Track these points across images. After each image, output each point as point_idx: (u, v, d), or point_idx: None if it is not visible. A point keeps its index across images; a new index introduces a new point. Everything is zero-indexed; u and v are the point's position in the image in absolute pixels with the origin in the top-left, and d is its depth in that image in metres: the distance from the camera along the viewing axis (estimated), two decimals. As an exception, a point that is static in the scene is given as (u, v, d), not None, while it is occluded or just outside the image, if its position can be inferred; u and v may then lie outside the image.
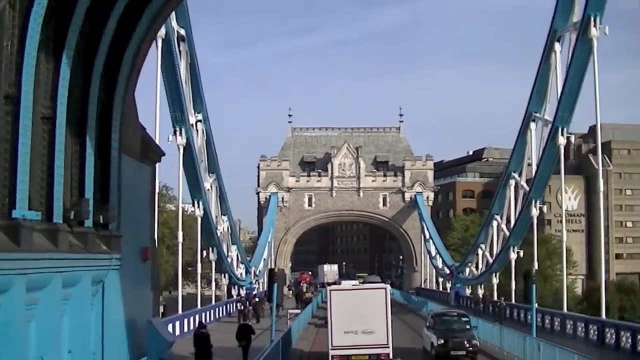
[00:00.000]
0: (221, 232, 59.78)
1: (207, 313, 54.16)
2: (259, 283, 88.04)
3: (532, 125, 52.93)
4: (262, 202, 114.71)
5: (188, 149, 44.83)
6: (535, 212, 51.31)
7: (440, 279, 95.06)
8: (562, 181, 51.41)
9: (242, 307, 58.75)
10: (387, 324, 31.76)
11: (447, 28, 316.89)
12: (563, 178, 50.28)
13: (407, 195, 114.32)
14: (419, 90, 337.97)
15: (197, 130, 50.11)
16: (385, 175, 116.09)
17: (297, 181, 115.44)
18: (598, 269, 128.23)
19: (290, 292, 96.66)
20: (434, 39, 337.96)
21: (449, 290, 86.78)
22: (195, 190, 48.32)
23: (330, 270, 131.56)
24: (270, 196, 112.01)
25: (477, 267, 72.29)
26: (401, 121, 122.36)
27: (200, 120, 50.26)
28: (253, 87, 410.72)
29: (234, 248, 67.39)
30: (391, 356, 31.95)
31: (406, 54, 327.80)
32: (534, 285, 31.97)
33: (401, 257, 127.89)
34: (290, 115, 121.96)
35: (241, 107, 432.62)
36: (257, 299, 63.61)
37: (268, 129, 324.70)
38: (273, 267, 34.09)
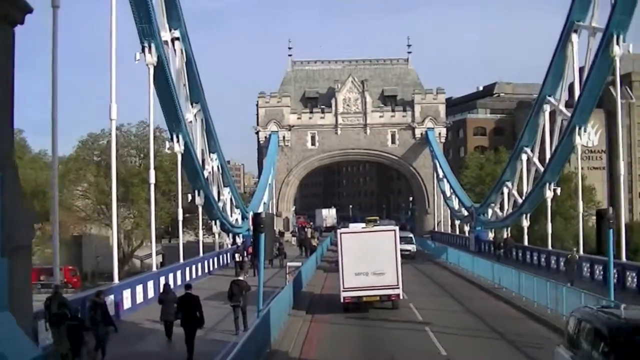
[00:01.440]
0: (209, 173, 51.69)
1: (197, 266, 46.84)
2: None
3: (574, 36, 44.51)
4: (261, 142, 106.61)
5: (161, 69, 36.43)
6: (579, 141, 43.24)
7: (457, 222, 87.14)
8: (619, 103, 42.80)
9: (239, 258, 51.88)
10: (397, 266, 32.53)
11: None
12: (619, 95, 41.69)
13: (418, 132, 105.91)
14: (426, 24, 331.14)
15: (174, 50, 41.80)
16: (393, 111, 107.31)
17: (298, 118, 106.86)
18: (621, 208, 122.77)
19: (294, 239, 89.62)
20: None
21: (467, 234, 79.53)
22: (173, 121, 40.09)
23: (329, 215, 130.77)
24: (270, 135, 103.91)
25: (501, 208, 64.40)
26: (409, 52, 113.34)
27: (177, 38, 41.76)
28: (252, 23, 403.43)
29: (226, 191, 59.32)
30: (401, 296, 33.28)
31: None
32: (611, 230, 23.95)
33: (411, 199, 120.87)
34: (290, 48, 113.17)
35: (240, 45, 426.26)
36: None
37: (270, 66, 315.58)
38: (259, 211, 26.22)
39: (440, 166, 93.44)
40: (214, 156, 53.23)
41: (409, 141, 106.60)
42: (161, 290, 27.63)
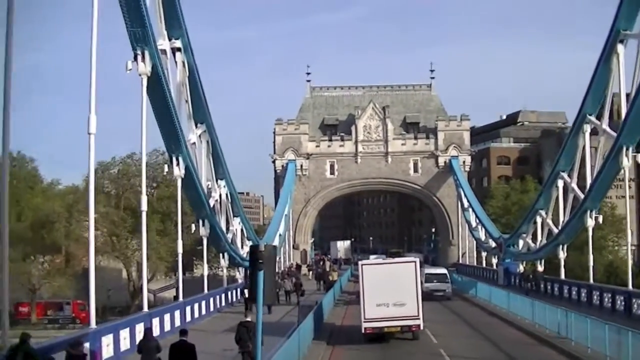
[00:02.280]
0: (216, 201, 47.34)
1: (200, 304, 42.39)
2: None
3: (620, 47, 40.04)
4: (278, 171, 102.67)
5: (157, 81, 31.84)
6: (627, 163, 38.55)
7: (483, 254, 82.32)
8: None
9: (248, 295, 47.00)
10: (418, 296, 32.89)
11: None
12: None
13: (441, 160, 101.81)
14: (450, 55, 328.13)
15: (175, 63, 37.50)
16: (416, 138, 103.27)
17: (317, 146, 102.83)
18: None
19: (310, 272, 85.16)
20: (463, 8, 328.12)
21: (494, 266, 74.70)
22: (172, 141, 35.71)
23: (343, 247, 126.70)
24: (287, 164, 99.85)
25: (534, 239, 59.65)
26: (432, 77, 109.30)
27: (178, 49, 37.39)
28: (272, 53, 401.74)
29: (236, 221, 54.85)
30: (422, 327, 33.39)
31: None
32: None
33: (434, 230, 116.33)
34: (308, 74, 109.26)
35: (261, 73, 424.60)
36: None
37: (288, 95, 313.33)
38: (257, 244, 21.91)
39: (465, 195, 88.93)
40: (222, 183, 48.86)
41: (432, 170, 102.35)
42: (142, 336, 23.25)
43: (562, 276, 51.35)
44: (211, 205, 44.64)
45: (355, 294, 45.67)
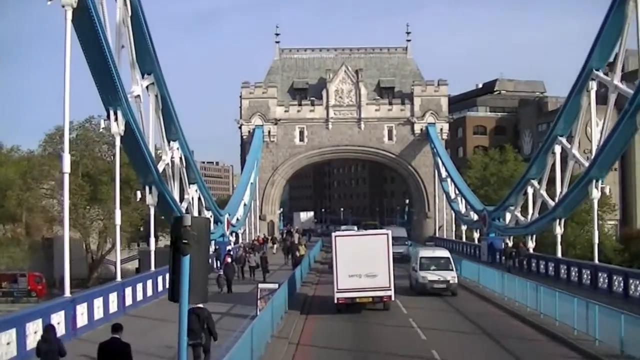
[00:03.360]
0: (167, 165, 41.10)
1: (141, 285, 36.36)
2: (235, 235, 70.21)
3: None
4: (245, 138, 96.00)
5: (85, 13, 25.98)
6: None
7: (463, 227, 76.78)
8: None
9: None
10: (389, 268, 33.90)
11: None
12: None
13: (417, 127, 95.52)
14: (425, 22, 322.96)
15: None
16: (390, 104, 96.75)
17: (286, 111, 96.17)
18: (634, 213, 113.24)
19: (275, 246, 79.64)
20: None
21: (476, 241, 69.37)
22: (108, 91, 29.52)
23: (306, 218, 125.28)
24: (254, 129, 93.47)
25: (524, 212, 54.05)
26: (408, 40, 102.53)
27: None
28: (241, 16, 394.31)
29: (193, 189, 48.59)
30: (393, 298, 34.56)
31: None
32: None
33: (407, 201, 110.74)
34: (277, 35, 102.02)
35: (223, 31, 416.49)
36: (229, 259, 46.50)
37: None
38: (181, 215, 16.82)
39: (444, 164, 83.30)
40: (175, 145, 42.58)
41: (408, 137, 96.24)
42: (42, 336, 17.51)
43: (559, 254, 45.82)
44: (160, 169, 38.49)
45: (328, 265, 48.21)
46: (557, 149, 45.30)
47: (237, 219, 69.79)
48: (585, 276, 39.77)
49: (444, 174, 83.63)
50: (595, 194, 38.40)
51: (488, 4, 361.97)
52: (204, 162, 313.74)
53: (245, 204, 76.06)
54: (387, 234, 35.52)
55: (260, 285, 30.48)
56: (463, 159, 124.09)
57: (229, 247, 59.40)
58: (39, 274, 75.05)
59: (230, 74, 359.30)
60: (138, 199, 37.98)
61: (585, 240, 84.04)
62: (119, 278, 34.39)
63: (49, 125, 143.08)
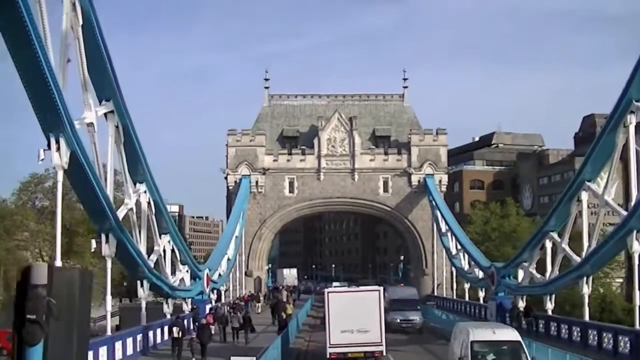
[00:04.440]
0: (130, 210, 34.84)
1: (105, 348, 30.50)
2: (217, 293, 64.03)
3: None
4: (231, 188, 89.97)
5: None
6: None
7: (466, 285, 70.54)
8: None
9: (178, 334, 36.83)
10: (381, 324, 35.01)
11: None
12: None
13: (415, 179, 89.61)
14: (420, 78, 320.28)
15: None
16: (386, 153, 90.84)
17: (275, 160, 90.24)
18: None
19: (259, 305, 73.82)
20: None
21: (481, 301, 63.19)
22: (47, 112, 23.58)
23: (289, 274, 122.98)
24: (240, 179, 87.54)
25: (540, 269, 47.80)
26: (405, 87, 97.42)
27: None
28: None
29: (165, 240, 42.32)
30: (384, 353, 35.61)
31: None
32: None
33: (402, 257, 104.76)
34: (266, 80, 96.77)
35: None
36: (210, 319, 40.89)
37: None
38: (28, 265, 11.62)
39: (444, 218, 77.33)
40: (142, 187, 36.46)
41: (404, 189, 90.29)
42: None
43: (587, 317, 39.53)
44: (121, 215, 32.32)
45: (320, 320, 49.85)
46: (584, 196, 39.13)
47: (219, 275, 63.62)
48: (622, 344, 33.59)
49: (443, 228, 77.73)
50: (637, 247, 32.29)
51: (484, 58, 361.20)
52: (193, 217, 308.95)
53: (229, 259, 69.95)
54: (379, 291, 36.66)
55: (233, 359, 24.24)
56: (460, 214, 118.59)
57: (209, 306, 53.35)
58: (10, 331, 68.89)
59: (222, 125, 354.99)
60: (92, 249, 31.80)
61: (593, 299, 78.19)
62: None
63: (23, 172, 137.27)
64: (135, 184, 36.09)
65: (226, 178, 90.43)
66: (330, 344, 34.66)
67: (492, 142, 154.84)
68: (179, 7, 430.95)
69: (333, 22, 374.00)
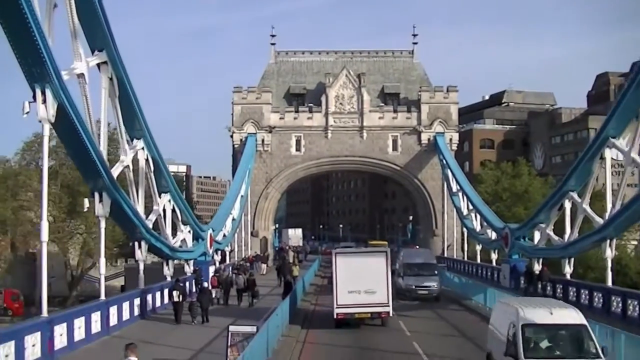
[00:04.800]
0: (127, 167, 32.73)
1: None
2: (222, 254, 62.19)
3: None
4: (236, 146, 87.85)
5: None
6: None
7: (478, 247, 68.51)
8: None
9: (178, 297, 35.58)
10: (388, 285, 35.32)
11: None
12: None
13: (424, 137, 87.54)
14: (430, 36, 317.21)
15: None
16: (395, 111, 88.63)
17: (281, 118, 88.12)
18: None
19: (264, 266, 72.17)
20: None
21: (494, 263, 61.30)
22: (32, 61, 21.57)
23: (294, 234, 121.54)
24: (246, 137, 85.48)
25: (558, 230, 45.72)
26: (415, 43, 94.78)
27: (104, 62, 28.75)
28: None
29: (165, 199, 40.33)
30: (391, 314, 36.02)
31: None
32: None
33: (411, 217, 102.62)
34: (273, 36, 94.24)
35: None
36: (205, 284, 39.33)
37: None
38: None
39: (455, 178, 75.30)
40: (139, 144, 34.38)
41: (414, 148, 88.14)
42: None
43: (609, 282, 37.46)
44: (115, 172, 30.30)
45: (327, 280, 50.13)
46: (608, 153, 36.84)
47: (224, 235, 61.76)
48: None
49: (454, 187, 75.78)
50: None
51: (496, 21, 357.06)
52: (200, 177, 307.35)
53: (234, 219, 68.13)
54: (386, 252, 36.92)
55: (232, 328, 22.26)
56: (469, 174, 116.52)
57: (212, 268, 51.54)
58: (16, 291, 70.98)
59: (230, 83, 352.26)
60: (85, 209, 29.85)
61: (603, 261, 76.14)
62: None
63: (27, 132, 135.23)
64: (132, 140, 34.06)
65: (232, 136, 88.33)
66: (337, 305, 34.91)
67: (503, 101, 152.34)
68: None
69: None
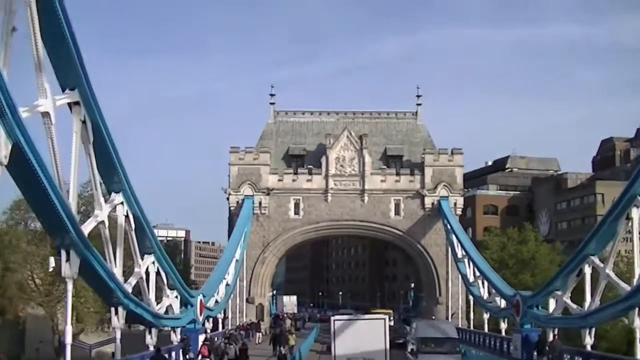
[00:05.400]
0: (101, 223, 29.29)
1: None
2: (213, 321, 58.58)
3: None
4: (232, 209, 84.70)
5: None
6: None
7: (485, 316, 64.84)
8: None
9: None
10: (386, 352, 36.20)
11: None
12: None
13: (428, 201, 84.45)
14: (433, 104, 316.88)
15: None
16: (398, 174, 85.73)
17: (279, 180, 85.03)
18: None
19: (259, 335, 68.53)
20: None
21: (503, 332, 57.63)
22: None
23: (289, 301, 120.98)
24: (243, 200, 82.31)
25: (577, 298, 42.16)
26: (419, 104, 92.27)
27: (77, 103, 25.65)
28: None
29: (148, 260, 36.79)
30: None
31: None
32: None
33: (413, 285, 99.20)
34: (272, 95, 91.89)
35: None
36: (191, 355, 35.79)
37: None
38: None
39: (460, 243, 72.11)
40: (118, 198, 31.02)
41: (417, 212, 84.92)
42: None
43: (639, 355, 33.83)
44: (87, 229, 26.91)
45: (326, 346, 50.15)
46: (636, 213, 33.51)
47: (216, 302, 58.12)
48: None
49: (459, 254, 72.50)
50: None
51: (495, 89, 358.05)
52: (199, 242, 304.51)
53: (228, 284, 64.56)
54: (384, 319, 37.87)
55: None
56: (472, 240, 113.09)
57: (202, 337, 47.87)
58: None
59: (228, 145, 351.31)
60: (50, 268, 26.33)
61: (619, 330, 72.46)
62: None
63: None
64: (109, 194, 30.73)
65: (228, 199, 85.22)
66: None
67: (506, 166, 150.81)
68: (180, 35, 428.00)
69: (344, 50, 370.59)
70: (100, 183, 29.59)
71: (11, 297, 78.70)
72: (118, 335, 32.54)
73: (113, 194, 30.83)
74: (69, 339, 25.79)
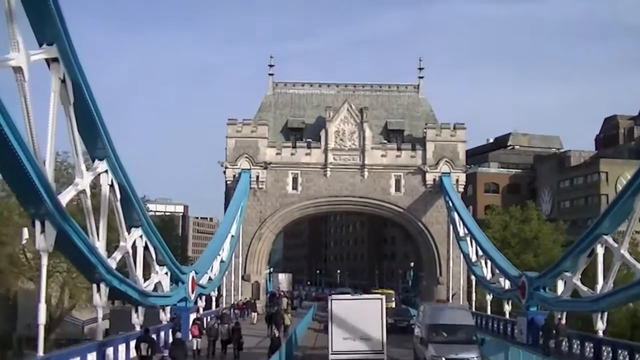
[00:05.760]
0: (82, 193, 27.16)
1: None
2: (207, 299, 56.58)
3: None
4: (229, 183, 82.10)
5: None
6: None
7: (488, 297, 62.87)
8: None
9: (147, 352, 29.65)
10: (383, 332, 34.92)
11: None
12: None
13: (430, 177, 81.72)
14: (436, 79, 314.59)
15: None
16: (399, 149, 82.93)
17: (277, 154, 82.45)
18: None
19: (255, 314, 66.49)
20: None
21: (507, 315, 55.77)
22: None
23: (284, 279, 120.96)
24: (240, 173, 79.91)
25: (588, 279, 40.18)
26: (421, 77, 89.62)
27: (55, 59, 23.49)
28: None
29: (135, 234, 34.63)
30: None
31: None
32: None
33: (412, 264, 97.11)
34: (271, 66, 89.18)
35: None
36: (179, 335, 33.72)
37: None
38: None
39: (462, 221, 69.88)
40: (102, 165, 28.87)
41: (418, 189, 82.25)
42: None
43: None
44: (65, 198, 24.78)
45: (324, 325, 47.84)
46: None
47: (210, 279, 56.06)
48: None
49: (462, 232, 70.27)
50: None
51: (498, 64, 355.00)
52: (197, 218, 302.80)
53: (222, 261, 62.55)
54: (381, 298, 36.87)
55: None
56: (473, 218, 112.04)
57: (194, 315, 45.91)
58: None
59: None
60: (24, 240, 24.24)
61: (622, 314, 70.71)
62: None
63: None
64: (93, 160, 28.59)
65: (224, 172, 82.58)
66: (332, 352, 34.76)
67: (508, 144, 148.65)
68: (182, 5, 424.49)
69: (346, 23, 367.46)
70: (84, 152, 27.55)
71: (2, 270, 77.10)
72: (100, 314, 30.38)
73: (96, 161, 28.71)
74: (42, 319, 23.57)
